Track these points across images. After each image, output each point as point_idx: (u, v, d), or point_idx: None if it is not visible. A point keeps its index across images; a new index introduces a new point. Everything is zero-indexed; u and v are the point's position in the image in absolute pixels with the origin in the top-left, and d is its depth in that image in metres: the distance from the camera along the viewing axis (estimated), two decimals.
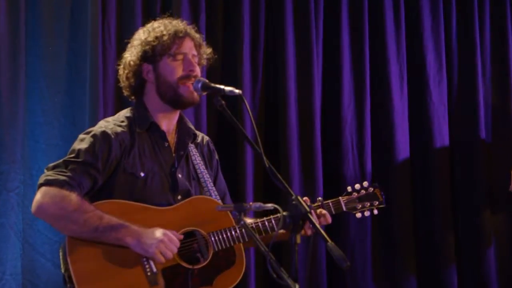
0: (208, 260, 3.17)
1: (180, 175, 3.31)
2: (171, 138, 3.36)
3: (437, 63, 5.46)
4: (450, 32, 5.54)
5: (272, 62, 5.07)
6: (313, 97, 5.07)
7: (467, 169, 5.50)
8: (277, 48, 5.06)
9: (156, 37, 3.28)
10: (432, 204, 5.40)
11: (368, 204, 3.56)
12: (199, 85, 3.16)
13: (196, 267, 3.15)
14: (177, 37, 3.28)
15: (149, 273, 3.07)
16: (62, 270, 3.11)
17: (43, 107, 4.43)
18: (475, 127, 5.50)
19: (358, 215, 3.55)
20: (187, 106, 3.36)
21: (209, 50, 3.45)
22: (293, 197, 2.64)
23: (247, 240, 3.23)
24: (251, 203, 2.80)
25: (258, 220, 3.35)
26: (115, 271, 3.06)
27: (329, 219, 3.39)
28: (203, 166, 3.41)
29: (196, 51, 3.35)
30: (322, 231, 2.61)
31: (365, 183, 3.58)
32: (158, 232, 3.07)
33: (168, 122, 3.35)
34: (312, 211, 3.30)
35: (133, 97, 3.39)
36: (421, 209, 5.41)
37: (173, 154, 3.33)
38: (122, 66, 3.38)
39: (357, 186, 3.56)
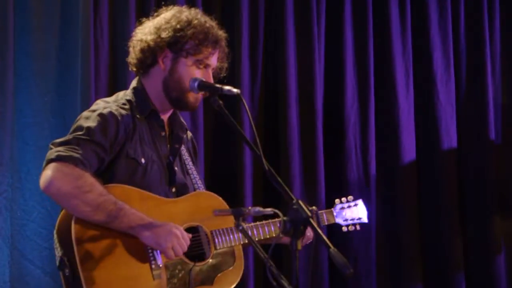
0: (209, 258, 3.19)
1: (176, 168, 3.31)
2: (166, 128, 3.34)
3: (445, 61, 5.46)
4: (458, 28, 5.54)
5: (271, 60, 5.07)
6: (315, 97, 5.07)
7: (475, 171, 5.51)
8: (277, 45, 5.06)
9: (195, 36, 3.21)
10: (439, 208, 5.41)
11: (356, 218, 3.70)
12: (196, 84, 3.16)
13: (198, 264, 3.16)
14: (213, 47, 3.25)
15: (153, 266, 3.07)
16: (60, 254, 3.05)
17: (32, 107, 4.42)
18: (484, 128, 5.50)
19: (344, 228, 3.70)
20: (184, 111, 3.38)
21: (225, 65, 3.39)
22: (294, 201, 2.65)
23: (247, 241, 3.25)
24: (250, 207, 2.81)
25: (258, 223, 3.37)
26: (121, 260, 3.04)
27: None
28: (191, 162, 3.41)
29: (217, 64, 3.32)
30: (324, 237, 2.62)
31: (350, 198, 3.73)
32: (172, 227, 3.06)
33: (163, 113, 3.33)
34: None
35: (134, 68, 3.33)
36: (428, 213, 5.41)
37: (168, 146, 3.32)
38: (145, 29, 3.29)
39: (344, 199, 3.71)
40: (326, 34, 5.19)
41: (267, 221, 3.38)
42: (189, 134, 3.53)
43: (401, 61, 5.36)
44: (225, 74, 3.39)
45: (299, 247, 2.59)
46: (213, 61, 3.28)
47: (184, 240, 3.06)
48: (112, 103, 3.23)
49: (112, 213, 3.01)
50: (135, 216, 3.04)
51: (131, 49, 3.33)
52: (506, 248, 5.50)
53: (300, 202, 2.65)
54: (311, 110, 5.06)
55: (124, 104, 3.24)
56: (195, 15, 3.29)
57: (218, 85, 3.03)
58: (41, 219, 4.29)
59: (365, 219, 3.71)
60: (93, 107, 3.22)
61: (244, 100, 2.95)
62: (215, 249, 3.21)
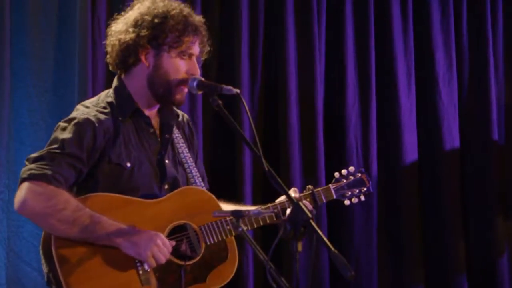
0: (200, 255, 3.17)
1: (167, 161, 3.27)
2: (155, 122, 3.31)
3: (447, 60, 5.45)
4: (461, 27, 5.53)
5: (271, 59, 5.06)
6: (315, 96, 5.07)
7: (478, 172, 5.49)
8: (277, 44, 5.05)
9: (173, 26, 3.19)
10: (442, 210, 5.40)
11: (357, 190, 3.58)
12: (195, 83, 3.14)
13: (188, 263, 3.14)
14: (193, 35, 3.22)
15: (141, 272, 3.07)
16: (46, 270, 3.07)
17: (29, 107, 4.42)
18: (487, 128, 5.49)
19: (347, 202, 3.57)
20: (171, 106, 3.33)
21: (208, 48, 3.38)
22: (294, 202, 2.64)
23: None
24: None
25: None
26: (105, 270, 3.04)
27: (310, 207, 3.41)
28: (186, 149, 3.36)
29: (200, 50, 3.30)
30: (325, 239, 2.61)
31: (351, 168, 3.60)
32: (152, 235, 3.06)
33: (150, 109, 3.29)
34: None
35: (114, 68, 3.29)
36: (430, 214, 5.40)
37: (158, 139, 3.29)
38: (121, 25, 3.27)
39: (344, 171, 3.58)
40: (327, 33, 5.18)
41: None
42: (185, 117, 3.48)
43: (402, 60, 5.35)
44: (206, 57, 3.37)
45: (300, 248, 2.58)
46: (196, 49, 3.25)
47: (165, 246, 3.06)
48: (91, 108, 3.20)
49: (89, 228, 3.01)
50: (113, 227, 3.04)
51: (109, 48, 3.29)
52: (509, 249, 5.49)
53: (300, 203, 2.64)
54: (312, 109, 5.05)
55: (104, 107, 3.20)
56: (170, 5, 3.25)
57: (217, 85, 3.02)
58: None
59: (369, 189, 3.59)
60: (72, 114, 3.20)
61: (243, 100, 2.95)
62: (206, 244, 3.18)
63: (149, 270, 3.07)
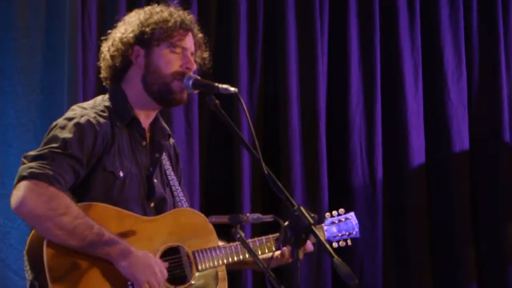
0: (191, 281, 3.17)
1: (155, 180, 3.28)
2: (147, 137, 3.32)
3: (456, 58, 5.46)
4: (471, 23, 5.54)
5: (271, 56, 5.07)
6: (318, 96, 5.07)
7: (489, 175, 5.50)
8: (277, 40, 5.06)
9: (160, 21, 3.23)
10: (450, 215, 5.40)
11: (346, 233, 3.64)
12: (190, 82, 3.15)
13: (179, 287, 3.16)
14: (182, 28, 3.25)
15: None
16: (30, 278, 3.05)
17: (16, 107, 4.42)
18: (498, 129, 5.50)
19: (335, 244, 3.63)
20: (173, 105, 3.34)
21: (206, 54, 3.42)
22: (295, 208, 2.64)
23: (236, 259, 3.26)
24: (248, 214, 2.80)
25: (256, 238, 3.38)
26: (96, 286, 3.03)
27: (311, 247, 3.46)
28: (173, 172, 3.39)
29: (194, 50, 3.32)
30: (328, 246, 2.61)
31: (341, 210, 3.66)
32: (151, 261, 3.06)
33: (145, 119, 3.30)
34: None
35: (108, 82, 3.32)
36: (438, 220, 5.41)
37: (148, 155, 3.29)
38: (108, 42, 3.31)
39: (335, 213, 3.66)
40: (330, 28, 5.19)
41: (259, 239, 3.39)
42: (172, 140, 3.50)
43: (409, 58, 5.36)
44: (209, 66, 3.41)
45: (301, 256, 2.59)
46: (188, 43, 3.28)
47: (162, 274, 3.06)
48: (89, 110, 3.19)
49: (88, 239, 2.99)
50: (112, 242, 3.02)
51: (102, 64, 3.33)
52: None
53: (302, 208, 2.64)
54: (313, 110, 5.06)
55: (102, 111, 3.20)
56: (156, 7, 3.32)
57: (214, 84, 3.03)
58: (26, 227, 4.24)
59: (356, 234, 3.67)
60: (69, 113, 3.18)
61: (242, 100, 2.95)
62: (197, 271, 3.19)
63: None
